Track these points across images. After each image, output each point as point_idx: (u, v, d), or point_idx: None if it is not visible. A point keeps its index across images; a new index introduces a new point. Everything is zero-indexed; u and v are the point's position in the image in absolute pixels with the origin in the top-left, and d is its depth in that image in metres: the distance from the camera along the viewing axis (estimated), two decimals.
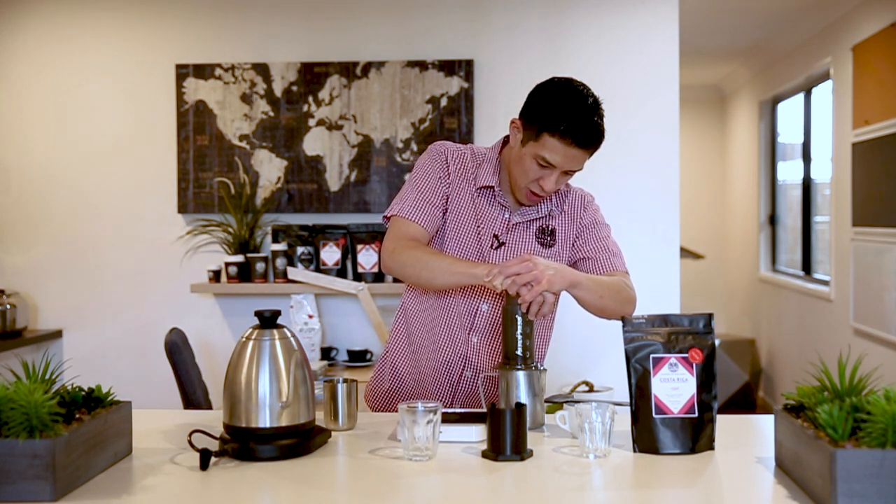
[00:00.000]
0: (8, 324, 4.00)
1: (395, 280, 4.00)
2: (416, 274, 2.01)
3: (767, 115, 6.88)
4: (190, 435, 1.69)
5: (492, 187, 2.10)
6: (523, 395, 1.87)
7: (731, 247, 7.89)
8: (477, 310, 2.11)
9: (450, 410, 1.92)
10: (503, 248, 2.10)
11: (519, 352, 1.89)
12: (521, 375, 1.88)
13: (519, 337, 1.89)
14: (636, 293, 2.11)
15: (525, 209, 2.12)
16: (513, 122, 2.05)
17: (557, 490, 1.51)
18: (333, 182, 4.12)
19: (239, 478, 1.55)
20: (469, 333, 2.11)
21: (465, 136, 4.05)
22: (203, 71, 4.16)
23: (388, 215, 2.11)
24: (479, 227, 2.10)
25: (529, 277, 1.84)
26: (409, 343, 2.19)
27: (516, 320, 1.89)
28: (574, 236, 2.15)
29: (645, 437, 1.71)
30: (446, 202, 2.10)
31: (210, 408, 3.36)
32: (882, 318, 4.51)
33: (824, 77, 5.62)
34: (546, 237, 2.13)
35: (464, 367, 2.13)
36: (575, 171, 2.02)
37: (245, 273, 4.06)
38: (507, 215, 2.11)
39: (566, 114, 1.94)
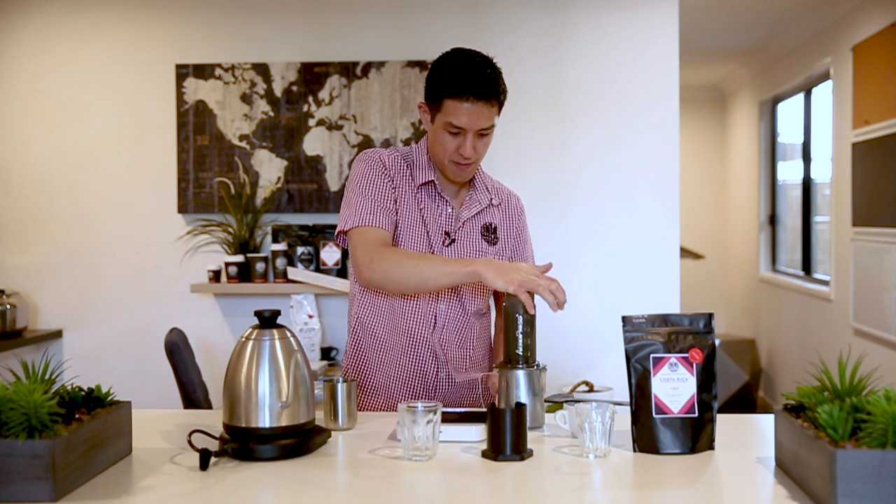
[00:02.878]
0: (8, 324, 4.00)
1: None
2: (403, 281, 1.98)
3: (767, 115, 6.87)
4: (190, 435, 1.69)
5: (432, 181, 2.13)
6: (523, 395, 1.87)
7: (731, 247, 7.89)
8: (436, 310, 2.12)
9: (450, 410, 1.92)
10: (454, 244, 2.13)
11: (520, 351, 1.90)
12: (521, 375, 1.88)
13: (519, 336, 1.90)
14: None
15: (467, 203, 2.16)
16: (420, 106, 2.11)
17: (557, 490, 1.50)
18: (333, 182, 4.12)
19: (239, 478, 1.55)
20: (432, 335, 2.12)
21: None
22: (203, 71, 4.16)
23: (345, 229, 2.07)
24: (426, 224, 2.11)
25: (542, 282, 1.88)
26: (372, 357, 2.16)
27: (516, 319, 1.90)
28: (513, 241, 2.21)
29: (645, 437, 1.71)
30: (395, 205, 2.10)
31: (210, 408, 3.36)
32: (882, 318, 4.51)
33: (824, 77, 5.62)
34: (490, 235, 2.18)
35: (437, 370, 2.13)
36: (488, 132, 2.04)
37: (245, 273, 4.06)
38: (450, 210, 2.14)
39: (458, 73, 1.99)
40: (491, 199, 2.19)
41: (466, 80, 1.98)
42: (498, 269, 1.89)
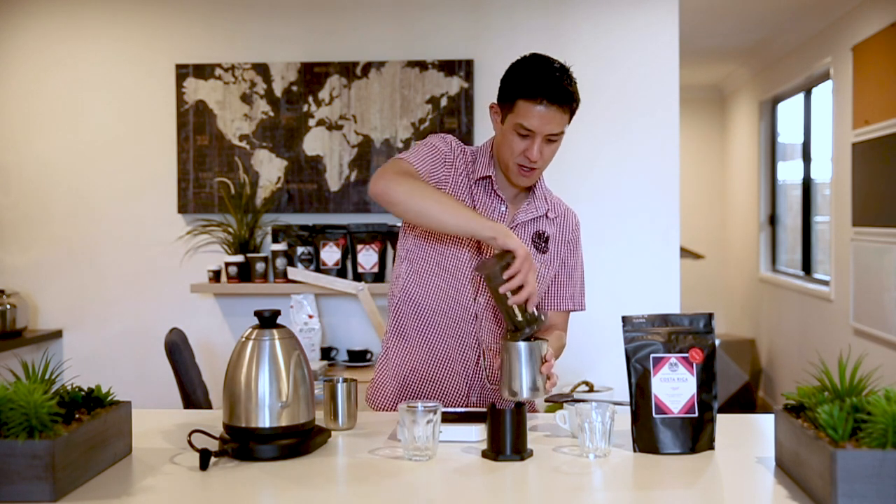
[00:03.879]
0: (8, 324, 4.00)
1: None
2: (409, 201, 1.98)
3: (767, 115, 6.87)
4: (190, 435, 1.69)
5: (489, 177, 2.13)
6: (524, 367, 1.85)
7: (731, 247, 7.89)
8: (475, 306, 2.11)
9: (449, 410, 1.92)
10: None
11: (519, 317, 1.88)
12: (522, 347, 1.86)
13: (514, 306, 1.87)
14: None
15: (525, 208, 2.16)
16: (491, 106, 2.12)
17: (557, 490, 1.50)
18: (333, 182, 4.12)
19: (239, 478, 1.55)
20: (473, 323, 2.11)
21: (465, 137, 4.05)
22: (203, 71, 4.16)
23: (402, 156, 2.10)
24: None
25: (521, 280, 1.87)
26: (407, 343, 2.17)
27: (505, 293, 1.88)
28: (565, 255, 2.21)
29: (645, 437, 1.71)
30: (445, 186, 2.11)
31: (210, 408, 3.36)
32: (882, 318, 4.51)
33: (824, 77, 5.62)
34: (542, 243, 2.18)
35: (478, 357, 2.13)
36: (556, 138, 2.04)
37: (245, 273, 4.06)
38: (504, 208, 2.14)
39: (534, 76, 2.00)
40: (548, 210, 2.19)
41: (542, 82, 1.99)
42: (492, 225, 1.91)
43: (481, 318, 2.12)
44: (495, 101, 2.11)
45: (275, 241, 4.12)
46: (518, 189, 2.17)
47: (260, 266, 4.05)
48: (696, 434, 1.71)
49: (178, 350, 3.27)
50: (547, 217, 2.19)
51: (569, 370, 4.01)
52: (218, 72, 4.15)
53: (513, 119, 2.03)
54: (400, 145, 4.08)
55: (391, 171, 2.02)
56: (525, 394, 1.84)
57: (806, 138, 6.17)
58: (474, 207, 2.12)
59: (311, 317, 3.96)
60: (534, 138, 2.02)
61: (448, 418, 1.82)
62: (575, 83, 2.05)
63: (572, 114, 2.05)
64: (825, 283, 5.57)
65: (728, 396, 6.59)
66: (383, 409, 2.20)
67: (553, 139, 2.04)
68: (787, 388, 6.08)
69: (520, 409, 1.66)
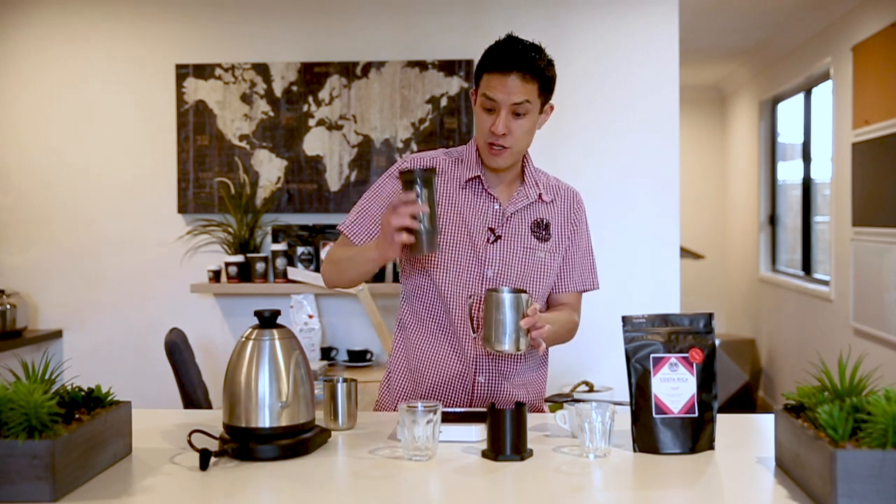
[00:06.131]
0: (8, 324, 4.00)
1: (395, 279, 4.01)
2: (342, 278, 2.10)
3: (767, 115, 6.88)
4: (190, 435, 1.69)
5: (478, 177, 2.10)
6: (504, 317, 1.85)
7: (731, 247, 7.89)
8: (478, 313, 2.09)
9: (450, 410, 1.91)
10: (500, 241, 2.08)
11: (423, 240, 1.87)
12: (506, 298, 1.86)
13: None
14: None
15: (514, 198, 2.11)
16: (471, 95, 2.15)
17: (557, 490, 1.50)
18: (333, 182, 4.12)
19: (239, 478, 1.55)
20: (474, 338, 2.09)
21: (465, 136, 4.05)
22: (203, 71, 4.16)
23: (339, 228, 2.17)
24: (467, 222, 2.08)
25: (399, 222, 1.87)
26: (411, 359, 2.14)
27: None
28: (569, 236, 2.16)
29: (645, 437, 1.71)
30: None
31: (210, 408, 3.36)
32: (882, 318, 4.51)
33: (824, 77, 5.62)
34: (541, 231, 2.12)
35: (475, 372, 2.10)
36: (523, 112, 2.00)
37: (245, 273, 4.06)
38: (497, 206, 2.10)
39: (497, 49, 2.02)
40: (540, 194, 2.13)
41: (503, 52, 1.99)
42: (377, 243, 1.94)
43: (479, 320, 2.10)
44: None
45: (275, 241, 4.13)
46: (502, 171, 2.10)
47: (260, 266, 4.05)
48: (696, 434, 1.71)
49: (178, 350, 3.27)
50: (542, 201, 2.13)
51: (569, 370, 4.01)
52: (218, 72, 4.15)
53: (479, 94, 2.02)
54: (400, 145, 4.08)
55: (324, 262, 2.15)
56: (506, 345, 1.85)
57: (806, 138, 6.17)
58: (461, 212, 2.08)
59: (311, 317, 3.96)
60: (499, 110, 1.99)
61: (448, 418, 1.81)
62: (547, 60, 2.03)
63: (543, 87, 2.02)
64: (825, 283, 5.57)
65: (728, 396, 6.59)
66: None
67: (520, 113, 1.99)
68: (787, 388, 6.08)
69: (520, 409, 1.66)
